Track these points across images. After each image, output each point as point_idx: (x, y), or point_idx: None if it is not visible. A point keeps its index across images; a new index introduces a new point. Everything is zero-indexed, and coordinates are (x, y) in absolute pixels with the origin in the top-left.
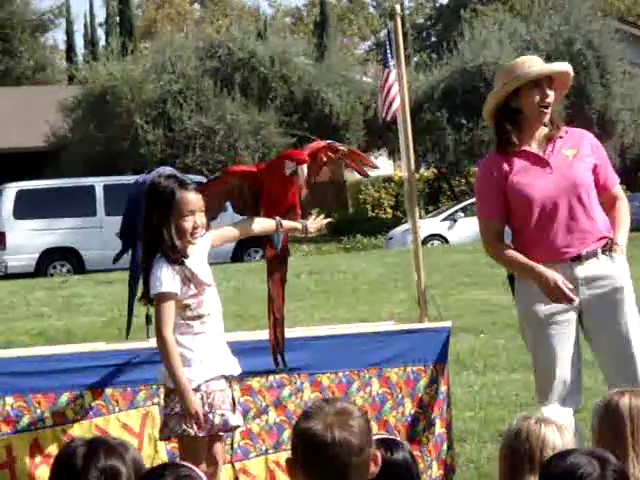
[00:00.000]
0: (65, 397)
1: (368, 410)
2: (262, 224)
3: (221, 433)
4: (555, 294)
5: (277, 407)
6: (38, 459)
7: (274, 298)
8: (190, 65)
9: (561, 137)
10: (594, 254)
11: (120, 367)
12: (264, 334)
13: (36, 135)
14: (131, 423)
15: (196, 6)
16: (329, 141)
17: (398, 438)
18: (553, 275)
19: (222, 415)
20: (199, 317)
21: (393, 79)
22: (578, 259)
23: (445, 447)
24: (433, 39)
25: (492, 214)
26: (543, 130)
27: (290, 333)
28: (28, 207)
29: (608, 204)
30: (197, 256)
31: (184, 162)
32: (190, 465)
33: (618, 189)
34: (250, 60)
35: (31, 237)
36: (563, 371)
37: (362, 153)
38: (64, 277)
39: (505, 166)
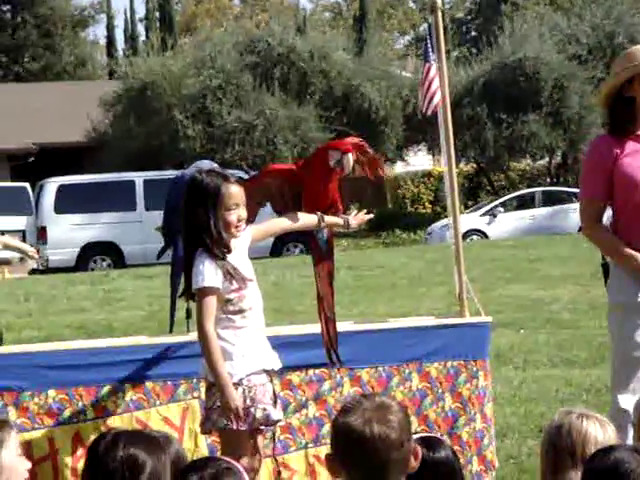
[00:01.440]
0: (106, 390)
1: (408, 405)
2: (304, 219)
3: (262, 427)
4: None
5: (317, 401)
6: (80, 451)
7: (323, 296)
8: (230, 60)
9: None
10: None
11: (161, 361)
12: (304, 328)
13: (77, 130)
14: (172, 416)
15: (235, 1)
16: (362, 141)
17: (439, 436)
18: None
19: (264, 409)
20: (241, 312)
21: (434, 73)
22: None
23: (485, 442)
24: (473, 34)
25: (595, 193)
26: None
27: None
28: (69, 202)
29: None
30: (239, 251)
31: (223, 157)
32: (230, 459)
33: None
34: (289, 55)
35: (72, 232)
36: None
37: (380, 161)
38: (105, 271)
39: (616, 148)
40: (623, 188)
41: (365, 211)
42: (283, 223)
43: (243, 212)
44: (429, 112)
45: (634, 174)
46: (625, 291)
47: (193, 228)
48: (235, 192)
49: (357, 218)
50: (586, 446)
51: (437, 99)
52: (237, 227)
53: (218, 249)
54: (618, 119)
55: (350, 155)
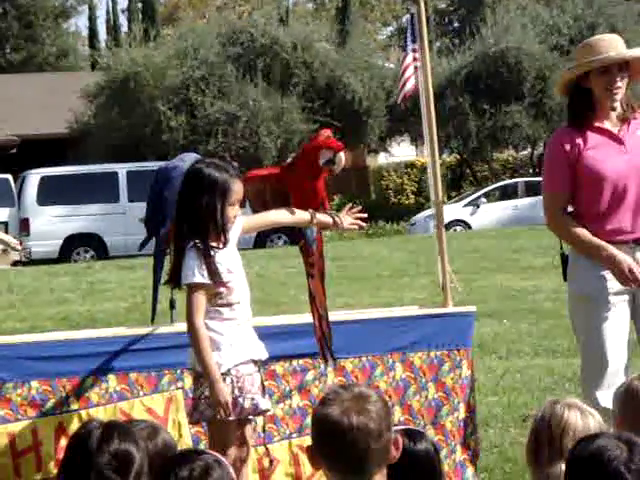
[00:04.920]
0: (90, 381)
1: (391, 395)
2: (295, 214)
3: (250, 417)
4: (626, 277)
5: (301, 391)
6: (63, 443)
7: (315, 295)
8: (212, 51)
9: (636, 119)
10: None
11: (144, 352)
12: (287, 319)
13: (59, 121)
14: (155, 407)
15: None
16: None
17: (421, 429)
18: (625, 258)
19: (252, 399)
20: (229, 305)
21: (409, 61)
22: None
23: (469, 432)
24: (455, 24)
25: (560, 186)
26: (617, 110)
27: (312, 319)
28: (51, 193)
29: None
30: (230, 242)
31: (207, 148)
32: (215, 453)
33: None
34: (272, 46)
35: (54, 223)
36: (614, 355)
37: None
38: (87, 263)
39: (579, 140)
40: (588, 182)
41: (359, 209)
42: (274, 217)
43: (238, 209)
44: (399, 99)
45: (599, 168)
46: (592, 283)
47: (191, 218)
48: (240, 189)
49: (350, 214)
50: (564, 435)
51: (410, 85)
52: (232, 223)
53: (217, 241)
54: (577, 110)
55: (342, 154)
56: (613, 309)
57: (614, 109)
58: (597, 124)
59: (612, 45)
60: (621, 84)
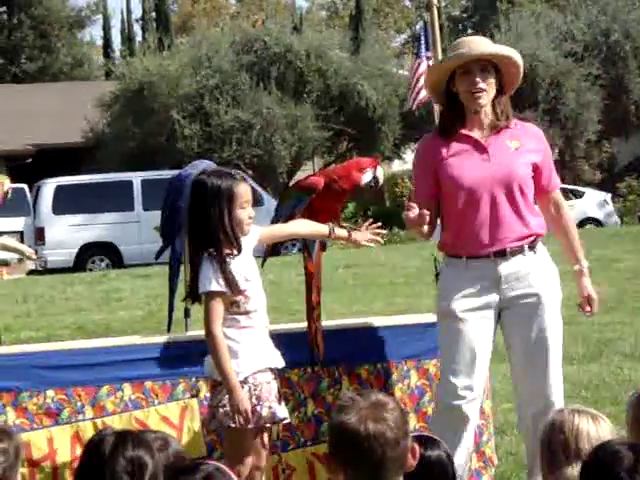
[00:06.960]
0: (105, 390)
1: (407, 402)
2: (314, 227)
3: (268, 425)
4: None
5: (315, 399)
6: (79, 451)
7: (316, 307)
8: (226, 60)
9: (509, 128)
10: (520, 251)
11: (159, 360)
12: (301, 326)
13: (74, 131)
14: (170, 416)
15: (232, 0)
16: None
17: (435, 436)
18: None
19: (270, 407)
20: (246, 313)
21: (423, 69)
22: (501, 254)
23: (484, 439)
24: (469, 31)
25: (420, 195)
26: (488, 118)
27: (328, 325)
28: (66, 202)
29: (545, 207)
30: (245, 250)
31: (221, 156)
32: (215, 462)
33: (558, 194)
34: (286, 54)
35: (70, 232)
36: (466, 368)
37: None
38: (103, 272)
39: (442, 150)
40: (447, 192)
41: (379, 224)
42: (293, 228)
43: (252, 210)
44: (414, 106)
45: (456, 177)
46: (452, 297)
47: (202, 230)
48: (246, 190)
49: (366, 234)
50: (579, 441)
51: (423, 94)
52: (248, 224)
53: (230, 248)
54: (444, 116)
55: (380, 168)
56: (471, 323)
57: (477, 112)
58: (464, 131)
59: (471, 44)
60: (484, 86)
